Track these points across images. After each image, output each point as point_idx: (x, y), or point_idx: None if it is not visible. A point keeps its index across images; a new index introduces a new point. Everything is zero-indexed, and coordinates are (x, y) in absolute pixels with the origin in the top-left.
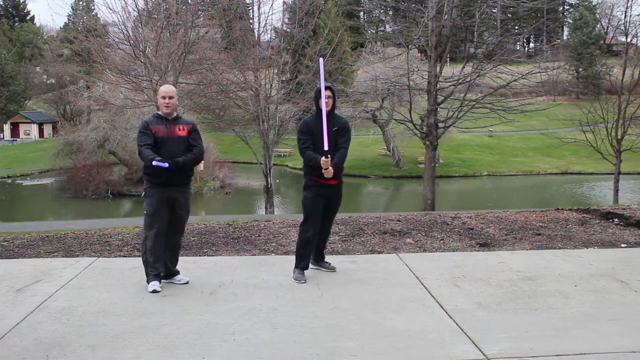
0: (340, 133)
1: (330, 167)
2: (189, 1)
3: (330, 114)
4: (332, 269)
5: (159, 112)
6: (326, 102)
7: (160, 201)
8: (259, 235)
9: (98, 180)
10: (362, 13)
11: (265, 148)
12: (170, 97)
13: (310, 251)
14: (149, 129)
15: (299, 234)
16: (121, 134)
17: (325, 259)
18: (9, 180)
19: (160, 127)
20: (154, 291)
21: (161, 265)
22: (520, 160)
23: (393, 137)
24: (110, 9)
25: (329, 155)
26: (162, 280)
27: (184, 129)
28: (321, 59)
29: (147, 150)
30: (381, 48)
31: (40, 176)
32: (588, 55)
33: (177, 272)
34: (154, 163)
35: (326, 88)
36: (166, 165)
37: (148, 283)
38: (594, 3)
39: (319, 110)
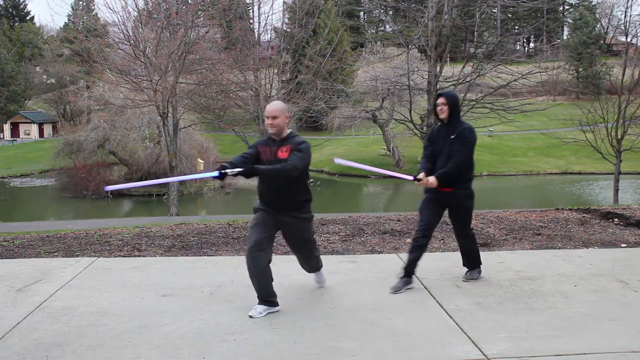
0: (455, 142)
1: (427, 180)
2: (189, 1)
3: (449, 122)
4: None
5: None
6: (441, 110)
7: (260, 217)
8: None
9: (98, 180)
10: (362, 13)
11: None
12: (274, 117)
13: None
14: (256, 147)
15: (472, 237)
16: (121, 134)
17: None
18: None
19: (266, 149)
20: (250, 316)
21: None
22: (520, 160)
23: (393, 137)
24: (110, 9)
25: (420, 179)
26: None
27: (287, 151)
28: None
29: (236, 156)
30: (381, 48)
31: (39, 176)
32: (588, 55)
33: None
34: (203, 176)
35: (440, 96)
36: (215, 174)
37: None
38: (594, 3)
39: (438, 118)
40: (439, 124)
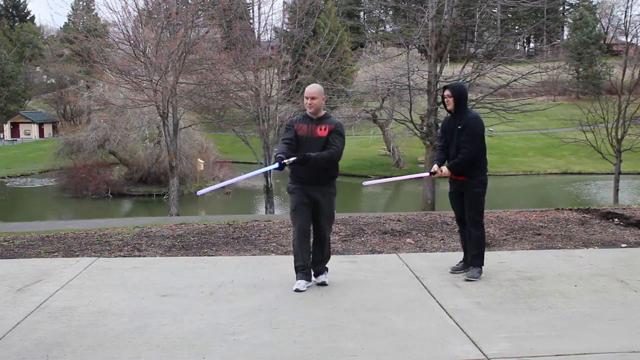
0: (462, 133)
1: (440, 170)
2: (189, 1)
3: (456, 113)
4: None
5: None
6: (447, 102)
7: (300, 198)
8: (259, 235)
9: (98, 180)
10: (362, 13)
11: (265, 148)
12: (313, 98)
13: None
14: (292, 126)
15: (482, 228)
16: (121, 134)
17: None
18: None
19: (303, 126)
20: (297, 290)
21: (307, 262)
22: (520, 160)
23: (393, 137)
24: (111, 9)
25: (435, 172)
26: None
27: (325, 129)
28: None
29: (282, 145)
30: (381, 48)
31: (39, 176)
32: (588, 55)
33: (321, 272)
34: (285, 161)
35: (446, 88)
36: (276, 166)
37: (296, 280)
38: (594, 3)
39: (447, 109)
40: (448, 115)
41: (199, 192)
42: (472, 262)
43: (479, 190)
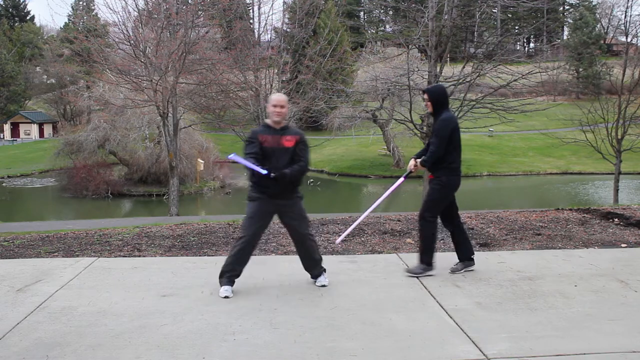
0: (434, 132)
1: (415, 165)
2: (189, 1)
3: (434, 115)
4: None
5: (268, 121)
6: (426, 105)
7: (262, 208)
8: None
9: (98, 180)
10: (362, 13)
11: None
12: (282, 106)
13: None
14: (256, 138)
15: (428, 224)
16: (121, 134)
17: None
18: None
19: (267, 137)
20: (225, 297)
21: (240, 267)
22: (520, 160)
23: (393, 137)
24: (111, 9)
25: (412, 170)
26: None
27: (291, 140)
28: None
29: (251, 160)
30: (381, 48)
31: (39, 176)
32: (588, 55)
33: (319, 274)
34: (254, 168)
35: (424, 91)
36: (264, 172)
37: (220, 286)
38: (594, 3)
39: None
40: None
41: (338, 240)
42: (419, 257)
43: (436, 189)
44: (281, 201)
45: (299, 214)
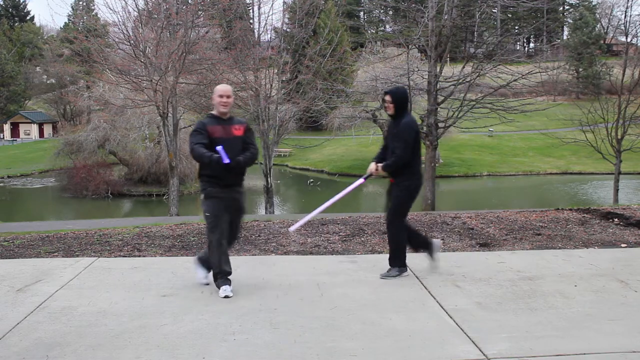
0: (397, 136)
1: (376, 168)
2: (189, 1)
3: (395, 118)
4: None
5: (213, 113)
6: (387, 107)
7: (222, 203)
8: (259, 235)
9: (98, 180)
10: (362, 13)
11: (266, 148)
12: (228, 97)
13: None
14: (205, 129)
15: (398, 229)
16: (121, 134)
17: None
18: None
19: (216, 128)
20: (226, 297)
21: (230, 267)
22: (520, 160)
23: None
24: (110, 9)
25: (371, 174)
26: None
27: (240, 129)
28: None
29: (201, 148)
30: (381, 48)
31: (39, 176)
32: (588, 55)
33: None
34: (223, 157)
35: (387, 93)
36: (227, 161)
37: (218, 288)
38: (594, 3)
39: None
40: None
41: (292, 229)
42: (390, 261)
43: (401, 195)
44: (237, 195)
45: (242, 206)
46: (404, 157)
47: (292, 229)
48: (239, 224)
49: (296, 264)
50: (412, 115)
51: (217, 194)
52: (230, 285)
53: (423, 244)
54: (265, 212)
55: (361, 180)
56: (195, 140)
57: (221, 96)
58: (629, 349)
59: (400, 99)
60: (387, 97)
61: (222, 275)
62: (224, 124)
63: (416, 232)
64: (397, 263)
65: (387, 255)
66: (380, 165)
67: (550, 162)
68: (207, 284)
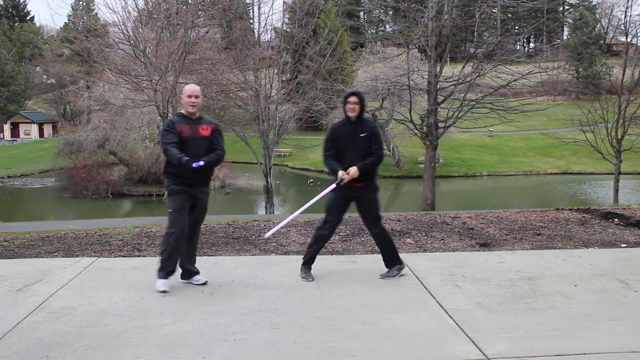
0: (371, 141)
1: (347, 173)
2: (189, 1)
3: (357, 120)
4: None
5: (182, 112)
6: (352, 108)
7: (185, 200)
8: (259, 235)
9: (98, 180)
10: (362, 13)
11: (265, 148)
12: (197, 97)
13: (319, 248)
14: (174, 127)
15: (315, 230)
16: (121, 134)
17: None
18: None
19: (185, 127)
20: (163, 291)
21: (176, 265)
22: (520, 160)
23: (393, 137)
24: (110, 9)
25: (343, 179)
26: (182, 281)
27: (207, 129)
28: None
29: (174, 149)
30: (381, 48)
31: (39, 176)
32: (588, 55)
33: (197, 272)
34: (194, 165)
35: (353, 94)
36: (202, 163)
37: (158, 279)
38: (594, 3)
39: (346, 115)
40: (341, 122)
41: (267, 235)
42: (387, 263)
43: (376, 197)
44: (200, 194)
45: (206, 204)
46: (382, 158)
47: (267, 235)
48: (201, 223)
49: (296, 264)
50: None
51: (181, 192)
52: (167, 280)
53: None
54: (265, 212)
55: (333, 186)
56: (167, 140)
57: (190, 96)
58: (629, 349)
59: (364, 100)
60: (354, 99)
61: (165, 270)
62: (192, 123)
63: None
64: (394, 262)
65: None
66: (353, 168)
67: (550, 162)
68: (203, 284)
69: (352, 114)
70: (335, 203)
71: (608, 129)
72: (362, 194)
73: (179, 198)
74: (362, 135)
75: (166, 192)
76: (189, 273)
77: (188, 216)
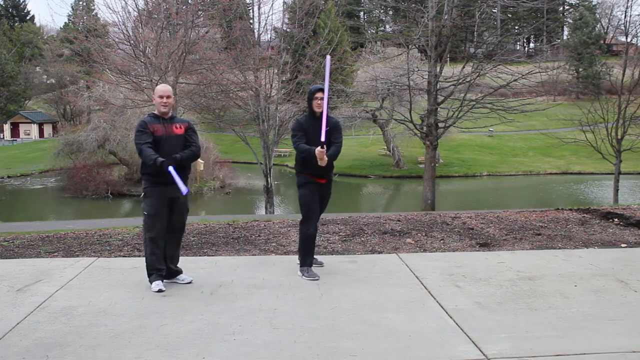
0: (333, 132)
1: (325, 157)
2: (189, 1)
3: (319, 114)
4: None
5: (155, 112)
6: (319, 104)
7: (161, 201)
8: (259, 235)
9: (98, 180)
10: (362, 13)
11: (265, 148)
12: (168, 97)
13: (313, 247)
14: (147, 128)
15: (300, 232)
16: (121, 134)
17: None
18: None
19: (158, 127)
20: (159, 290)
21: (162, 265)
22: (520, 160)
23: (393, 137)
24: (110, 9)
25: (324, 146)
26: (165, 280)
27: (180, 127)
28: (328, 57)
29: (149, 149)
30: (381, 48)
31: (39, 176)
32: (588, 55)
33: (180, 271)
34: (168, 169)
35: (320, 90)
36: (171, 169)
37: (151, 283)
38: (594, 3)
39: (312, 110)
40: (306, 117)
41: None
42: (309, 260)
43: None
44: (174, 193)
45: (185, 203)
46: (340, 149)
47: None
48: (182, 222)
49: (296, 264)
50: None
51: (156, 195)
52: (162, 280)
53: None
54: (265, 212)
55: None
56: (142, 141)
57: (161, 97)
58: (629, 349)
59: (329, 96)
60: (321, 94)
61: (154, 273)
62: (164, 122)
63: None
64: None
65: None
66: (326, 153)
67: (550, 162)
68: (189, 283)
69: (318, 110)
70: (314, 200)
71: (608, 129)
72: (328, 190)
73: (154, 202)
74: (327, 129)
75: (142, 194)
76: (172, 273)
77: (166, 218)
